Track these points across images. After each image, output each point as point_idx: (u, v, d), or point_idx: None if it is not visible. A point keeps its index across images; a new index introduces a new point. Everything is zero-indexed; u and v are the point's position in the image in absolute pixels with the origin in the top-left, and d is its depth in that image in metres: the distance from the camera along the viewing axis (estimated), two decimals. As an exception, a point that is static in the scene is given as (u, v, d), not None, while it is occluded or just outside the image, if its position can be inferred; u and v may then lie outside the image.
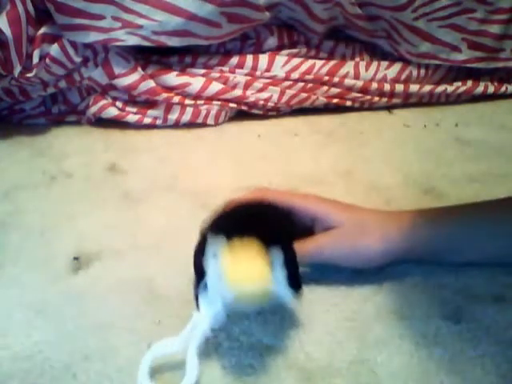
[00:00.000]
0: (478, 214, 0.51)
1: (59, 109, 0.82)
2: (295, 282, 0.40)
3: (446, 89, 0.88)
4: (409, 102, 0.89)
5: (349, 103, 0.86)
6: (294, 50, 0.83)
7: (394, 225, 0.49)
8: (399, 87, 0.86)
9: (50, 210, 0.63)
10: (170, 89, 0.79)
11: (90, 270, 0.53)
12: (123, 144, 0.78)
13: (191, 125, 0.82)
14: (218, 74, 0.80)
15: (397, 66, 0.86)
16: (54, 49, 0.73)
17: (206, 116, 0.81)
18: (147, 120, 0.81)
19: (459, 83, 0.90)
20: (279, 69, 0.82)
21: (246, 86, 0.81)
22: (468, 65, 0.87)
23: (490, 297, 0.49)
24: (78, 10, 0.70)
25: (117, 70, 0.76)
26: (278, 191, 0.52)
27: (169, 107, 0.80)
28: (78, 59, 0.75)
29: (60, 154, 0.75)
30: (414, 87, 0.86)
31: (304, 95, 0.83)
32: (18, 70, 0.70)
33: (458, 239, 0.49)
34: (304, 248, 0.48)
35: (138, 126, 0.81)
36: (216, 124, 0.83)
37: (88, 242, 0.57)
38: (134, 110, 0.80)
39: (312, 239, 0.49)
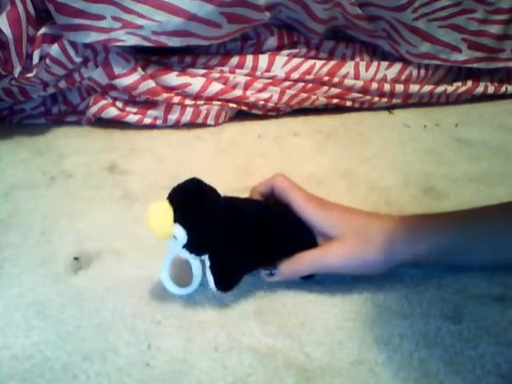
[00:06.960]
0: (482, 222, 0.50)
1: (59, 109, 0.83)
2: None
3: (446, 89, 0.88)
4: (409, 102, 0.89)
5: (349, 103, 0.86)
6: (294, 51, 0.83)
7: (399, 234, 0.48)
8: (399, 87, 0.86)
9: (49, 210, 0.63)
10: (170, 89, 0.79)
11: (90, 270, 0.53)
12: (123, 144, 0.78)
13: (191, 125, 0.82)
14: (218, 75, 0.80)
15: (397, 67, 0.86)
16: (54, 49, 0.73)
17: (206, 116, 0.81)
18: (147, 120, 0.81)
19: (459, 83, 0.90)
20: (279, 69, 0.82)
21: (246, 87, 0.81)
22: (468, 65, 0.87)
23: (490, 297, 0.49)
24: (78, 10, 0.70)
25: (117, 70, 0.76)
26: (289, 184, 0.51)
27: (169, 107, 0.80)
28: (78, 59, 0.75)
29: (60, 154, 0.75)
30: (414, 87, 0.86)
31: (304, 95, 0.83)
32: (18, 70, 0.70)
33: (462, 248, 0.49)
34: (305, 259, 0.48)
35: (138, 126, 0.81)
36: (216, 124, 0.83)
37: (88, 242, 0.57)
38: (134, 110, 0.81)
39: (314, 251, 0.49)
